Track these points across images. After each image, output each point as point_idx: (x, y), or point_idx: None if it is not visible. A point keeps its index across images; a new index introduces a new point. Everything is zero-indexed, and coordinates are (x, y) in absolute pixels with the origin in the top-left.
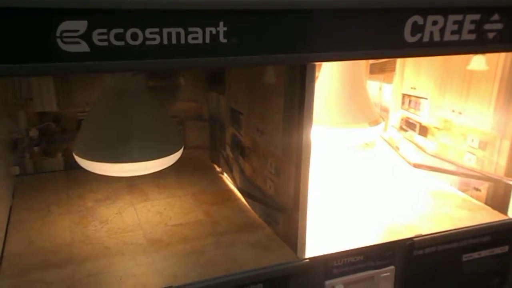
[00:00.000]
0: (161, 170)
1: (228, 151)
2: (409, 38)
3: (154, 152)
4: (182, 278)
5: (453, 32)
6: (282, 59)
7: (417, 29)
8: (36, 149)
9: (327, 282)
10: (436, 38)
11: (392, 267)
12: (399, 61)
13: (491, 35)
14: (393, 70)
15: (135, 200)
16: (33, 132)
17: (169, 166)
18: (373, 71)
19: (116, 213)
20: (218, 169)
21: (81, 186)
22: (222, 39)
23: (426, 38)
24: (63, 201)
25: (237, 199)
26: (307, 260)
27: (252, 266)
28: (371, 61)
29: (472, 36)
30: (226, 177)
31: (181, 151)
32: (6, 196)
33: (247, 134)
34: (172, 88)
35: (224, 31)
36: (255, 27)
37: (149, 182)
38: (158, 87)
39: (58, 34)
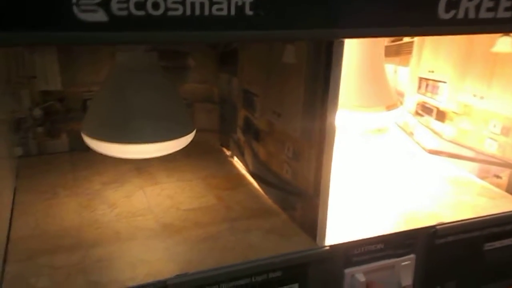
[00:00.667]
0: (168, 154)
1: (240, 134)
2: (443, 14)
3: (166, 133)
4: (197, 265)
5: (488, 9)
6: (312, 34)
7: (451, 5)
8: (39, 129)
9: (347, 271)
10: (471, 15)
11: (413, 255)
12: (416, 43)
13: None
14: (410, 52)
15: (143, 183)
16: (37, 112)
17: (177, 150)
18: (388, 53)
19: (125, 197)
20: (227, 152)
21: (87, 168)
22: (248, 11)
23: (460, 15)
24: (69, 183)
25: (249, 184)
26: (327, 247)
27: (269, 253)
28: (386, 43)
29: (508, 14)
30: (236, 161)
31: (193, 133)
32: (10, 177)
33: (262, 117)
34: (181, 69)
35: (251, 2)
36: None
37: (157, 165)
38: (166, 67)
39: (74, 0)
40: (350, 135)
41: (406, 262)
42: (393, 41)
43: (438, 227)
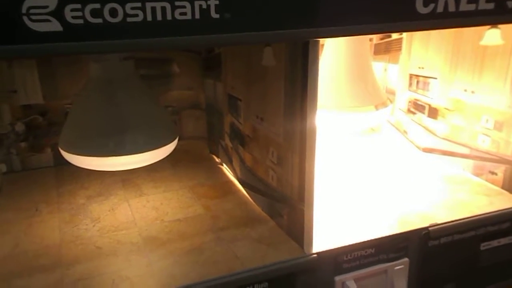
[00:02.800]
0: (156, 163)
1: (227, 140)
2: (421, 9)
3: (146, 143)
4: (180, 280)
5: (469, 1)
6: (282, 36)
7: None
8: (22, 144)
9: (337, 278)
10: (451, 8)
11: (406, 259)
12: (405, 39)
13: (510, 4)
14: (399, 49)
15: (129, 195)
16: (19, 127)
17: (165, 159)
18: (377, 51)
19: (109, 210)
20: (217, 160)
21: (72, 182)
22: (214, 14)
23: (440, 9)
24: (52, 199)
25: (238, 191)
26: (315, 255)
27: (256, 264)
28: (375, 41)
29: (490, 5)
30: (225, 168)
31: (175, 142)
32: None
33: (247, 122)
34: (166, 76)
35: (216, 5)
36: (250, 0)
37: (144, 176)
38: (150, 75)
39: (24, 11)
40: (343, 136)
41: (399, 267)
42: (381, 39)
43: (431, 228)
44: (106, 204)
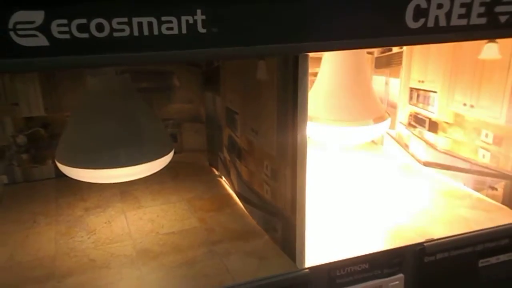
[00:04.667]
0: (155, 175)
1: (225, 153)
2: (411, 23)
3: (141, 156)
4: None
5: (460, 16)
6: (269, 50)
7: (420, 13)
8: (24, 156)
9: None
10: (442, 23)
11: (401, 275)
12: (405, 53)
13: (503, 19)
14: (400, 63)
15: (126, 207)
16: (21, 139)
17: (165, 171)
18: (378, 65)
19: (105, 222)
20: (216, 172)
21: (72, 194)
22: (201, 29)
23: (430, 23)
24: (51, 211)
25: (235, 204)
26: (307, 270)
27: (247, 278)
28: (376, 54)
29: (482, 20)
30: (224, 181)
31: (171, 154)
32: None
33: (243, 135)
34: (166, 89)
35: (203, 19)
36: (238, 14)
37: (143, 188)
38: (151, 88)
39: (11, 26)
40: (342, 149)
41: (394, 283)
42: (382, 52)
43: (426, 244)
44: (103, 216)
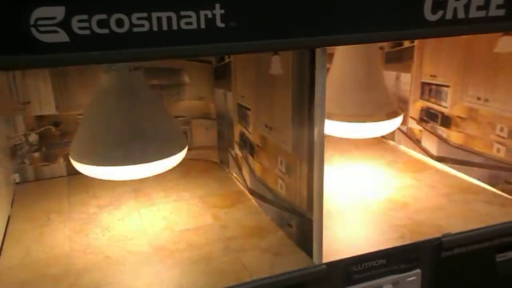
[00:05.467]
0: (167, 172)
1: (237, 150)
2: (429, 16)
3: (155, 153)
4: None
5: (479, 8)
6: (288, 44)
7: (438, 5)
8: (36, 154)
9: None
10: (460, 15)
11: (418, 270)
12: (417, 47)
13: None
14: (411, 58)
15: (140, 205)
16: (33, 137)
17: (176, 168)
18: (389, 59)
19: (119, 220)
20: (227, 169)
21: (84, 191)
22: (219, 24)
23: (449, 16)
24: (64, 209)
25: (248, 201)
26: (324, 265)
27: (264, 274)
28: (387, 49)
29: (501, 12)
30: (235, 178)
31: (185, 151)
32: (3, 205)
33: (256, 131)
34: (176, 86)
35: (221, 14)
36: (256, 9)
37: (155, 185)
38: (161, 85)
39: (32, 22)
40: (355, 145)
41: (411, 278)
42: (393, 47)
43: (443, 238)
44: (117, 213)
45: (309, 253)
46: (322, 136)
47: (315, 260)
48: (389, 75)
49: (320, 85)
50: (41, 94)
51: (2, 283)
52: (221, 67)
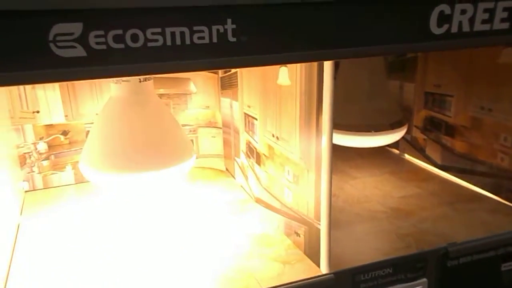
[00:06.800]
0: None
1: (243, 158)
2: (435, 29)
3: (165, 161)
4: None
5: (484, 21)
6: (297, 57)
7: (444, 19)
8: (44, 163)
9: None
10: (465, 28)
11: (425, 279)
12: (420, 57)
13: None
14: (415, 67)
15: None
16: (41, 146)
17: (178, 177)
18: (392, 69)
19: None
20: (233, 178)
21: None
22: (231, 38)
23: (454, 29)
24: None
25: (253, 209)
26: (332, 275)
27: (271, 283)
28: (390, 59)
29: (505, 25)
30: (241, 187)
31: (193, 159)
32: (13, 214)
33: (262, 140)
34: (183, 95)
35: (233, 29)
36: (266, 23)
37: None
38: (168, 95)
39: (51, 38)
40: (357, 154)
41: (418, 287)
42: (396, 56)
43: (449, 248)
44: None
45: (317, 262)
46: (330, 145)
47: (323, 269)
48: (393, 85)
49: (328, 95)
50: (50, 104)
51: None
52: (227, 77)
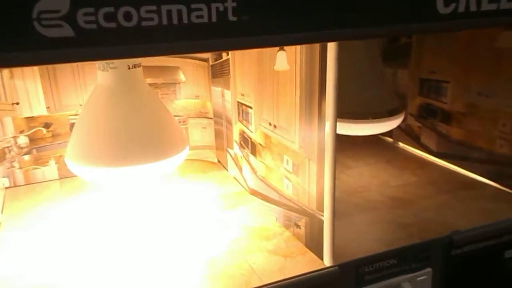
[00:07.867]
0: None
1: (236, 149)
2: (442, 9)
3: (157, 153)
4: None
5: (491, 0)
6: (301, 38)
7: None
8: (26, 157)
9: None
10: (473, 7)
11: (429, 269)
12: (415, 43)
13: None
14: (409, 53)
15: None
16: (22, 140)
17: (171, 170)
18: (386, 56)
19: None
20: (225, 170)
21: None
22: (231, 17)
23: (461, 8)
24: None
25: (249, 201)
26: (336, 267)
27: (273, 277)
28: (383, 45)
29: None
30: (235, 178)
31: (186, 151)
32: None
33: (258, 130)
34: (172, 85)
35: (233, 7)
36: (269, 1)
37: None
38: (156, 84)
39: (35, 15)
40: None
41: (422, 277)
42: (390, 43)
43: (454, 236)
44: None
45: (319, 254)
46: (334, 132)
47: (326, 262)
48: (387, 72)
49: (332, 79)
50: (30, 94)
51: None
52: (218, 65)
